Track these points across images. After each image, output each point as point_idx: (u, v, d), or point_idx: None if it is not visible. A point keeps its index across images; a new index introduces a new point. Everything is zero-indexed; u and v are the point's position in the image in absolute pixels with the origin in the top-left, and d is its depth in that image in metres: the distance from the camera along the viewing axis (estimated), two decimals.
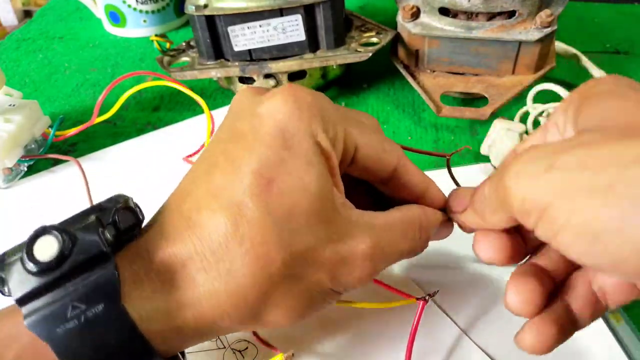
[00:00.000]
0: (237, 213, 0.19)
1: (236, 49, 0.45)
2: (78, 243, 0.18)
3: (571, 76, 0.48)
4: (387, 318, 0.29)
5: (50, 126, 0.43)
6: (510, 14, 0.44)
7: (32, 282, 0.18)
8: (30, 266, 0.18)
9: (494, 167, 0.38)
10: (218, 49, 0.46)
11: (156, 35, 0.48)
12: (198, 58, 0.48)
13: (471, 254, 0.33)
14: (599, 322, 0.28)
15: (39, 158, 0.42)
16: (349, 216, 0.21)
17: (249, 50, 0.45)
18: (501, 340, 0.28)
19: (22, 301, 0.18)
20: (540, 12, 0.43)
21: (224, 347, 0.29)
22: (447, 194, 0.27)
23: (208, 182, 0.20)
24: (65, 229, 0.19)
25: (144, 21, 0.62)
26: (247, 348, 0.28)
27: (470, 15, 0.44)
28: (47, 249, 0.18)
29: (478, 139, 0.43)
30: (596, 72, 0.47)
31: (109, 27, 0.64)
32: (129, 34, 0.63)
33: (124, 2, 0.61)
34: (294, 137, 0.20)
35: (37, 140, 0.42)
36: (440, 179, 0.38)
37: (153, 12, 0.62)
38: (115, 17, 0.62)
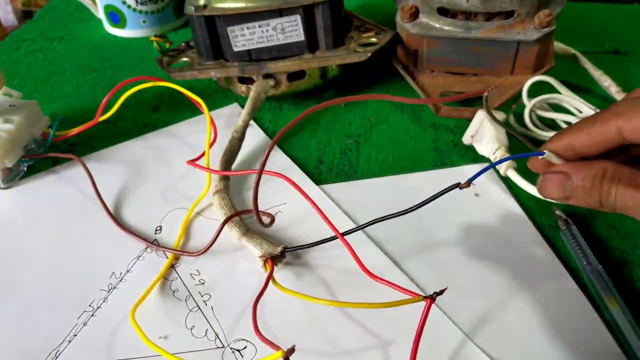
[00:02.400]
0: None
1: (235, 49, 0.45)
2: None
3: (570, 76, 0.48)
4: (388, 317, 0.29)
5: (50, 126, 0.43)
6: (509, 14, 0.44)
7: None
8: None
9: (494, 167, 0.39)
10: (217, 49, 0.46)
11: (156, 36, 0.48)
12: (197, 58, 0.48)
13: (470, 255, 0.33)
14: (589, 308, 0.29)
15: (39, 158, 0.42)
16: None
17: (248, 51, 0.45)
18: (502, 342, 0.28)
19: None
20: (539, 12, 0.43)
21: (223, 346, 0.29)
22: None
23: None
24: None
25: (144, 22, 0.63)
26: (245, 347, 0.29)
27: (469, 15, 0.45)
28: None
29: None
30: (595, 72, 0.48)
31: (109, 28, 0.64)
32: (129, 35, 0.63)
33: (124, 2, 0.61)
34: None
35: (37, 140, 0.42)
36: (440, 179, 0.39)
37: (153, 12, 0.62)
38: (115, 17, 0.62)
